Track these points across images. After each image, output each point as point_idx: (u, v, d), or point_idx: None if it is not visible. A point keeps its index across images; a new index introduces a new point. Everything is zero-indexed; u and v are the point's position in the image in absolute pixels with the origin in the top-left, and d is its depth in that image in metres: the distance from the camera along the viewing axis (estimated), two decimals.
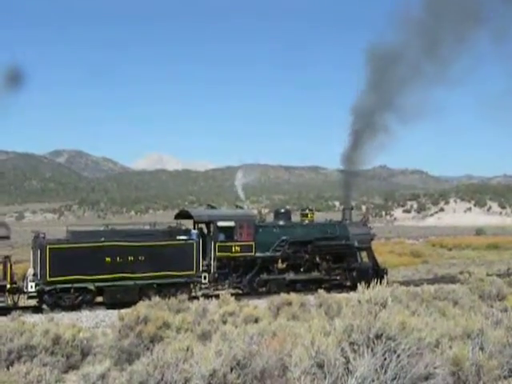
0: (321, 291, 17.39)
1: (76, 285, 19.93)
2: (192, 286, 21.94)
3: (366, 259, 26.10)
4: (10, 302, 19.64)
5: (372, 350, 5.02)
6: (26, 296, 20.13)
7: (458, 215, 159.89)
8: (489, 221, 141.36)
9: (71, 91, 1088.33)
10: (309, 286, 23.39)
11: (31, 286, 19.47)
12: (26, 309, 19.67)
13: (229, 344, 6.61)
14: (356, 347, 5.11)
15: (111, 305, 20.08)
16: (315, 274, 24.45)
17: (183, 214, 24.75)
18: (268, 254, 23.63)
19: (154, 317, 10.88)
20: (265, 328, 8.00)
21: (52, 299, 19.71)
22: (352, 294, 18.86)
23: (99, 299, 20.85)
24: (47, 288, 19.58)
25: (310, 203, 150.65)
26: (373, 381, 4.93)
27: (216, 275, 22.49)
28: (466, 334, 7.52)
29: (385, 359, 5.01)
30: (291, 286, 22.80)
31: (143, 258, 20.72)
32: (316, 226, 25.90)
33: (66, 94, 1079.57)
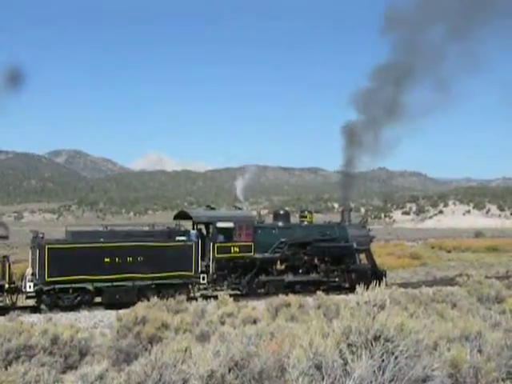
0: (319, 293, 17.40)
1: (74, 285, 19.93)
2: (191, 286, 21.96)
3: (364, 261, 26.13)
4: (8, 301, 19.65)
5: (370, 352, 5.03)
6: (24, 296, 20.12)
7: (457, 217, 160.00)
8: (488, 223, 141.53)
9: (71, 91, 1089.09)
10: (307, 288, 23.41)
11: (30, 286, 19.47)
12: (24, 309, 19.67)
13: (227, 345, 6.61)
14: (354, 349, 5.12)
15: (110, 305, 20.08)
16: (314, 276, 24.48)
17: (182, 215, 24.76)
18: (267, 255, 23.65)
19: (153, 317, 10.88)
20: (263, 329, 8.00)
21: (50, 299, 19.71)
22: (350, 295, 18.90)
23: (98, 299, 20.85)
24: (46, 288, 19.58)
25: (309, 205, 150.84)
26: (371, 382, 4.94)
27: (215, 276, 22.51)
28: (464, 337, 7.53)
29: (383, 361, 5.01)
30: (290, 288, 22.82)
31: (142, 259, 20.73)
32: (315, 227, 25.92)
33: (65, 94, 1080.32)
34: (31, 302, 20.49)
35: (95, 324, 17.40)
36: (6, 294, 19.51)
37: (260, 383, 6.13)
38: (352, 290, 22.82)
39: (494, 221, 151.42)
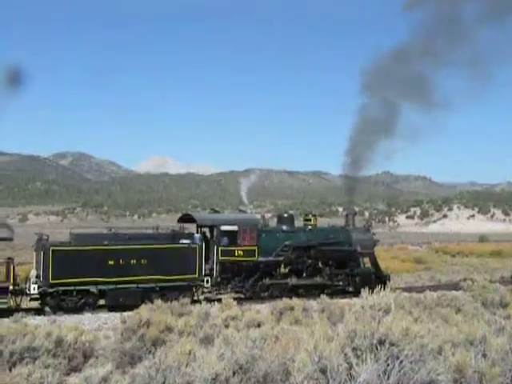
0: (323, 296, 17.39)
1: (78, 287, 19.94)
2: (194, 289, 21.95)
3: (368, 265, 26.08)
4: (12, 303, 19.66)
5: (375, 356, 5.02)
6: (28, 298, 20.15)
7: (461, 222, 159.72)
8: (492, 228, 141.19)
9: (75, 94, 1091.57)
10: (311, 291, 23.37)
11: (34, 288, 19.49)
12: (28, 311, 19.68)
13: (231, 348, 6.61)
14: (359, 353, 5.11)
15: (113, 308, 20.08)
16: (318, 280, 24.43)
17: (186, 218, 24.77)
18: (271, 258, 23.63)
19: (157, 320, 10.87)
20: (267, 332, 8.00)
21: (54, 301, 19.73)
22: (354, 299, 18.86)
23: (102, 302, 20.86)
24: (50, 290, 19.60)
25: (313, 208, 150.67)
26: None
27: (218, 279, 22.50)
28: (468, 341, 7.51)
29: (388, 365, 5.00)
30: (294, 291, 22.79)
31: (146, 262, 20.74)
32: (319, 231, 25.88)
33: (70, 97, 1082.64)
34: (35, 304, 20.51)
35: (99, 326, 17.40)
36: (10, 295, 19.53)
37: None
38: (356, 293, 22.80)
39: (498, 225, 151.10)
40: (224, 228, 22.86)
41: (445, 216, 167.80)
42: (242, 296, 23.01)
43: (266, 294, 23.17)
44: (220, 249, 22.56)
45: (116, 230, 22.77)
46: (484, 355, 6.93)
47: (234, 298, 18.64)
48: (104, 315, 19.19)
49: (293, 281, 23.88)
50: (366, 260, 26.04)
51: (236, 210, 31.26)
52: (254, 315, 12.27)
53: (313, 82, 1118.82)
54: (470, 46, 29.23)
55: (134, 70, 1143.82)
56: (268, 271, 23.58)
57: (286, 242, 23.96)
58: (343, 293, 24.42)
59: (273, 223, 28.39)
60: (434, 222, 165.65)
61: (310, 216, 26.91)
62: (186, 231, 23.10)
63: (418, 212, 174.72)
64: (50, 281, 19.48)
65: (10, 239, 21.78)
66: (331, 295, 21.36)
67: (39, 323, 14.81)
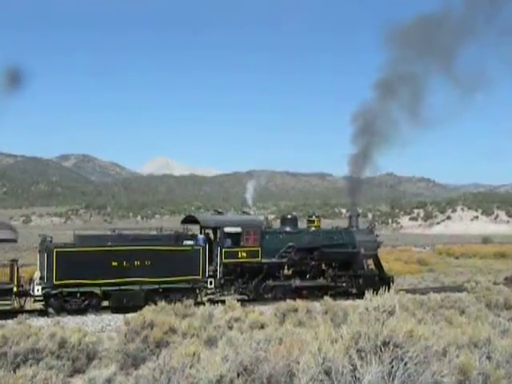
0: (327, 298, 17.36)
1: (82, 289, 19.96)
2: (198, 291, 21.94)
3: (372, 267, 26.05)
4: (16, 305, 19.69)
5: (379, 358, 5.01)
6: (32, 299, 20.17)
7: (465, 223, 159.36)
8: (496, 229, 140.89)
9: (79, 95, 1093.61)
10: (315, 293, 23.34)
11: (38, 290, 19.52)
12: (32, 312, 19.70)
13: (235, 350, 6.61)
14: (363, 354, 5.10)
15: (117, 309, 20.10)
16: (321, 281, 24.41)
17: (190, 219, 24.78)
18: (274, 260, 23.61)
19: (160, 322, 10.88)
20: (271, 334, 7.99)
21: (58, 303, 19.75)
22: (358, 301, 18.84)
23: (105, 303, 20.87)
24: (53, 291, 19.62)
25: (316, 210, 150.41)
26: None
27: (222, 281, 22.49)
28: (472, 343, 7.49)
29: (392, 367, 5.00)
30: (297, 293, 22.76)
31: (149, 263, 20.74)
32: (322, 232, 25.86)
33: (74, 99, 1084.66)
34: (39, 306, 20.53)
35: (103, 328, 17.44)
36: (14, 297, 19.57)
37: None
38: (359, 295, 22.79)
39: (502, 227, 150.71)
40: (227, 229, 22.86)
41: (448, 218, 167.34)
42: (246, 297, 23.01)
43: (269, 295, 23.16)
44: (223, 250, 22.55)
45: (119, 232, 22.80)
46: (488, 357, 6.92)
47: (238, 300, 18.64)
48: (107, 317, 19.21)
49: (296, 282, 23.86)
50: (370, 262, 26.02)
51: (239, 212, 31.25)
52: (257, 317, 12.27)
53: (316, 84, 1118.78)
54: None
55: (138, 71, 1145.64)
56: (271, 273, 23.56)
57: (290, 244, 23.94)
58: (346, 294, 24.40)
59: (276, 225, 28.40)
60: (438, 223, 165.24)
61: (314, 217, 26.89)
62: (190, 233, 23.11)
63: (422, 214, 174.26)
64: (54, 282, 19.50)
65: (14, 241, 21.80)
66: (334, 297, 21.33)
67: (43, 325, 14.86)
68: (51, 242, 20.55)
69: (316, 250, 24.36)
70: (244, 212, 27.37)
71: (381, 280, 24.70)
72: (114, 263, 20.26)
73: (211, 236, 23.60)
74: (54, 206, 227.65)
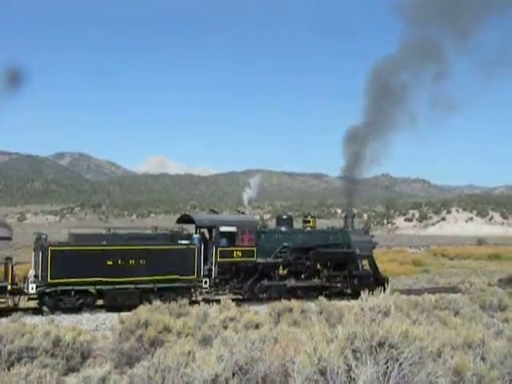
0: (321, 298, 17.36)
1: (77, 287, 19.91)
2: (193, 290, 21.93)
3: (367, 267, 26.08)
4: (10, 303, 19.64)
5: (375, 358, 5.02)
6: (26, 297, 20.12)
7: (459, 225, 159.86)
8: (491, 231, 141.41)
9: (75, 94, 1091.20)
10: (310, 293, 23.35)
11: (32, 288, 19.46)
12: (26, 310, 19.66)
13: (230, 349, 6.60)
14: (358, 355, 5.11)
15: (111, 308, 20.06)
16: (316, 281, 24.42)
17: (185, 219, 24.75)
18: (269, 260, 23.62)
19: (155, 321, 10.86)
20: (266, 334, 7.99)
21: (53, 301, 19.69)
22: (353, 301, 18.86)
23: (100, 302, 20.84)
24: (48, 290, 19.57)
25: (312, 210, 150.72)
26: None
27: (217, 280, 22.48)
28: (467, 344, 7.51)
29: (387, 367, 5.00)
30: (292, 293, 22.77)
31: (144, 262, 20.71)
32: (318, 232, 25.88)
33: (69, 97, 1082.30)
34: (33, 304, 20.48)
35: (97, 326, 17.40)
36: (8, 295, 19.51)
37: None
38: (354, 295, 22.82)
39: (496, 228, 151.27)
40: (223, 229, 22.85)
41: (443, 219, 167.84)
42: (241, 297, 23.00)
43: (264, 295, 23.16)
44: (219, 250, 22.54)
45: (114, 230, 22.75)
46: (483, 358, 6.93)
47: (233, 299, 18.64)
48: (102, 315, 19.17)
49: (291, 282, 23.86)
50: (365, 262, 26.04)
51: (235, 211, 31.24)
52: (252, 316, 12.26)
53: (314, 84, 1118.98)
54: None
55: (134, 70, 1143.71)
56: (266, 272, 23.56)
57: (285, 244, 23.95)
58: (341, 295, 24.42)
59: (271, 224, 28.40)
60: (433, 224, 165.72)
61: (309, 218, 26.92)
62: (185, 232, 23.09)
63: (417, 215, 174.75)
64: (49, 280, 19.44)
65: (9, 238, 21.80)
66: (329, 297, 21.36)
67: (37, 323, 14.80)
68: (46, 240, 20.49)
69: (311, 250, 24.37)
70: (239, 211, 27.34)
71: (376, 281, 24.75)
72: (109, 262, 20.21)
73: (206, 235, 23.58)
74: (48, 204, 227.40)
